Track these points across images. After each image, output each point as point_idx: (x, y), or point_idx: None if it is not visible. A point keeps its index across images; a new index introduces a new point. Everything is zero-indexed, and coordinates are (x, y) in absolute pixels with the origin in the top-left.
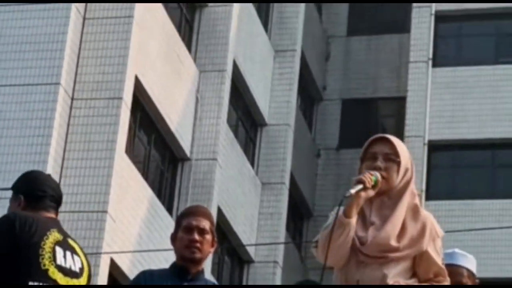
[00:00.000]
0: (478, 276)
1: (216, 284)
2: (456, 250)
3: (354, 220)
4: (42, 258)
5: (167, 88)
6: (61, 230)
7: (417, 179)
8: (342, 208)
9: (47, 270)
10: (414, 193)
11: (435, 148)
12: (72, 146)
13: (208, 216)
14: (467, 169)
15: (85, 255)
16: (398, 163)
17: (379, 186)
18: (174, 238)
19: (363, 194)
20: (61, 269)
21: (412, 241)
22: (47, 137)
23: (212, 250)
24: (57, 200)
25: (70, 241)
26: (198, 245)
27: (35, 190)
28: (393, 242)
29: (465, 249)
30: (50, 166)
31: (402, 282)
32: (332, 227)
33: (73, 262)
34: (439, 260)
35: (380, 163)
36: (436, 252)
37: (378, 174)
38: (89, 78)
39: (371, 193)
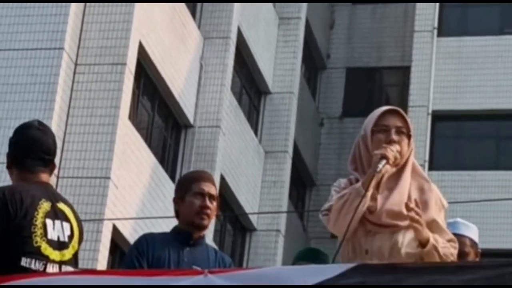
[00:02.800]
0: (481, 247)
1: (216, 249)
2: (458, 219)
3: (370, 193)
4: (35, 235)
5: (171, 55)
6: (49, 196)
7: (421, 149)
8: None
9: (39, 246)
10: (415, 162)
11: (439, 118)
12: (75, 111)
13: (214, 182)
14: (471, 140)
15: (76, 214)
16: (409, 137)
17: (397, 161)
18: (178, 201)
19: (383, 169)
20: (51, 243)
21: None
22: (50, 102)
23: (214, 216)
24: (50, 160)
25: (60, 206)
26: (208, 211)
27: (24, 157)
28: (403, 210)
29: (468, 220)
30: (53, 131)
31: (411, 252)
32: (359, 202)
33: (62, 231)
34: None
35: (394, 136)
36: (443, 222)
37: (395, 150)
38: (93, 44)
39: (389, 168)
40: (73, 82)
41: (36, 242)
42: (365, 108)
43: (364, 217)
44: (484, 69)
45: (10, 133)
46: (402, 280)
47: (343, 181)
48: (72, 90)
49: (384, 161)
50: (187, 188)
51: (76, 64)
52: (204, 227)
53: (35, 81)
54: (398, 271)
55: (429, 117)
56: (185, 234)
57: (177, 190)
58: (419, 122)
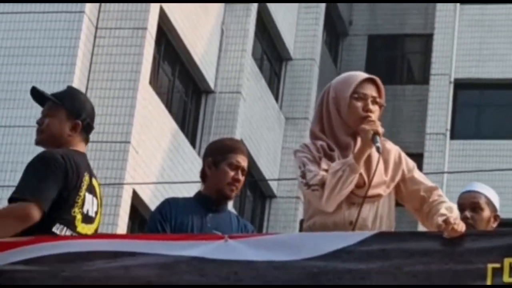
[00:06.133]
0: (502, 216)
1: (238, 216)
2: (476, 182)
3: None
4: (76, 205)
5: (192, 20)
6: (89, 170)
7: (442, 118)
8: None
9: (74, 217)
10: None
11: (461, 86)
12: (96, 75)
13: (247, 155)
14: (493, 108)
15: (100, 190)
16: (381, 107)
17: None
18: (211, 166)
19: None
20: (83, 216)
21: (393, 172)
22: (70, 66)
23: None
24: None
25: (94, 181)
26: (238, 185)
27: (92, 121)
28: (383, 178)
29: None
30: None
31: (391, 222)
32: (370, 180)
33: (92, 206)
34: None
35: (371, 106)
36: (418, 176)
37: (379, 122)
38: (114, 7)
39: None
40: (93, 46)
41: (74, 212)
42: (387, 76)
43: (351, 191)
44: (507, 37)
45: (30, 97)
46: (425, 247)
47: (312, 147)
48: (92, 54)
49: (378, 138)
50: (224, 156)
51: (96, 28)
52: (231, 199)
53: (56, 44)
54: (419, 238)
55: (451, 86)
56: (209, 200)
57: (211, 154)
58: (441, 90)
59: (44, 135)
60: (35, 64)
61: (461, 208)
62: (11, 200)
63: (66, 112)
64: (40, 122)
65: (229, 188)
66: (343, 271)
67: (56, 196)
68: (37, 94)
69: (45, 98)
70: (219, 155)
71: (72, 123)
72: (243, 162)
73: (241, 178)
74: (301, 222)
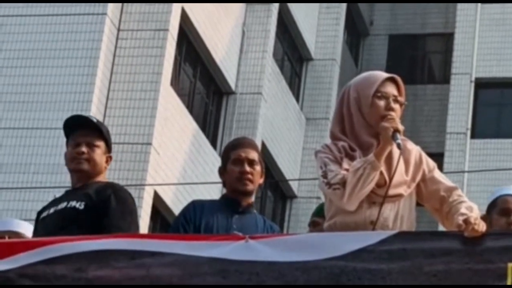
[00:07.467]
0: None
1: (264, 217)
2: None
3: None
4: None
5: (213, 21)
6: None
7: (463, 117)
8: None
9: None
10: None
11: (482, 85)
12: (118, 77)
13: (255, 146)
14: None
15: None
16: (401, 105)
17: None
18: (222, 171)
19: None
20: None
21: (414, 172)
22: (92, 68)
23: (261, 180)
24: None
25: None
26: (249, 176)
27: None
28: (406, 177)
29: None
30: (95, 97)
31: (411, 222)
32: (390, 181)
33: None
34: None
35: (393, 105)
36: (439, 175)
37: (399, 120)
38: (136, 9)
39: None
40: (115, 47)
41: None
42: (407, 75)
43: (371, 190)
44: None
45: (54, 99)
46: (445, 247)
47: (333, 147)
48: (114, 55)
49: (398, 135)
50: (227, 157)
51: (118, 30)
52: (248, 192)
53: (78, 46)
54: (439, 238)
55: (472, 85)
56: (234, 202)
57: (221, 162)
58: (462, 89)
59: (90, 165)
60: (57, 66)
61: (505, 212)
62: (112, 228)
63: (105, 145)
64: (83, 151)
65: (240, 183)
66: (364, 271)
67: None
68: (82, 123)
69: (92, 128)
70: (224, 159)
71: (107, 156)
72: (245, 153)
73: (249, 169)
74: (309, 224)
